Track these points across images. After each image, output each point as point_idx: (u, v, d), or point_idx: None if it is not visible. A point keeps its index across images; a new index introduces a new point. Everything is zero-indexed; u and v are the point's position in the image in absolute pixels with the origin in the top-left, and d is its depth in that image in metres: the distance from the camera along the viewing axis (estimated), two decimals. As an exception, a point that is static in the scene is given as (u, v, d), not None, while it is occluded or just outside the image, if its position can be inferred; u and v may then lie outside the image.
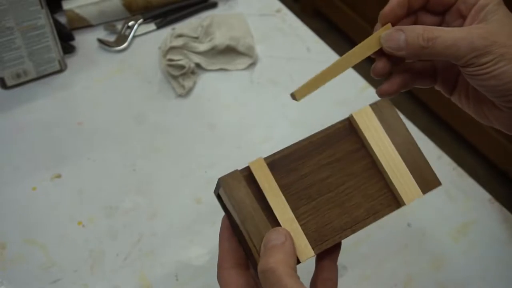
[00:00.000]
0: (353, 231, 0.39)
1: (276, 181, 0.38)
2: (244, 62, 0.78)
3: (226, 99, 0.75)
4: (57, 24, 0.75)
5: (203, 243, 0.61)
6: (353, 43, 1.91)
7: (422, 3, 0.42)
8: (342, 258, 0.59)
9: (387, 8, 0.41)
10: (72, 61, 0.78)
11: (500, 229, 0.62)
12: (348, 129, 0.41)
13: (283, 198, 0.38)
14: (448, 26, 0.42)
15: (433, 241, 0.61)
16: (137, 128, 0.71)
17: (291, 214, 0.38)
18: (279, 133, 0.70)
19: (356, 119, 0.41)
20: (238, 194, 0.38)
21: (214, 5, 0.86)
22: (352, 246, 0.60)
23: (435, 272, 0.59)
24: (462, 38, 0.37)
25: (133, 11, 0.83)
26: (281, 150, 0.39)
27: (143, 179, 0.66)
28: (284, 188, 0.38)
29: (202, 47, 0.77)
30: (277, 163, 0.39)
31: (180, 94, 0.74)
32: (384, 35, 0.40)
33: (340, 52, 0.86)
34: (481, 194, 0.65)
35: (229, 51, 0.78)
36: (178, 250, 0.60)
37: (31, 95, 0.73)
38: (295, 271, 0.34)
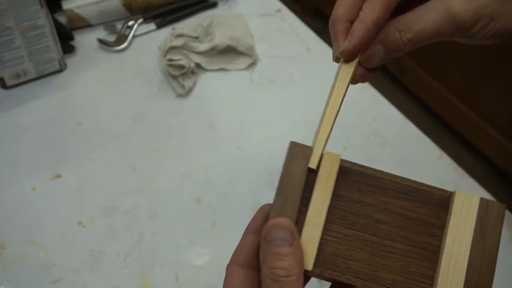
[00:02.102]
0: (363, 285, 0.35)
1: (336, 185, 0.35)
2: (244, 62, 0.78)
3: (226, 99, 0.75)
4: (57, 24, 0.75)
5: (203, 243, 0.61)
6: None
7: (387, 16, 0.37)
8: (342, 258, 0.59)
9: (349, 47, 0.36)
10: (72, 61, 0.78)
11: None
12: (442, 201, 0.36)
13: (328, 203, 0.35)
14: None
15: (433, 241, 0.61)
16: (137, 128, 0.71)
17: (322, 221, 0.34)
18: (279, 133, 0.70)
19: (455, 199, 0.36)
20: (294, 167, 0.35)
21: (214, 5, 0.86)
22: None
23: (435, 272, 0.59)
24: (443, 21, 0.34)
25: (133, 11, 0.83)
26: (363, 166, 0.36)
27: (143, 179, 0.66)
28: (336, 198, 0.35)
29: (202, 47, 0.77)
30: (351, 173, 0.36)
31: (180, 94, 0.74)
32: (363, 59, 0.37)
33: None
34: (481, 194, 0.65)
35: (229, 51, 0.78)
36: (178, 250, 0.60)
37: (31, 95, 0.73)
38: (302, 281, 0.32)
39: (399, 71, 1.73)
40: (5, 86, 0.73)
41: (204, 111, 0.73)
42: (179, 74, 0.74)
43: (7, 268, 0.58)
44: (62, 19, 0.79)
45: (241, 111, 0.73)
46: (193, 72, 0.75)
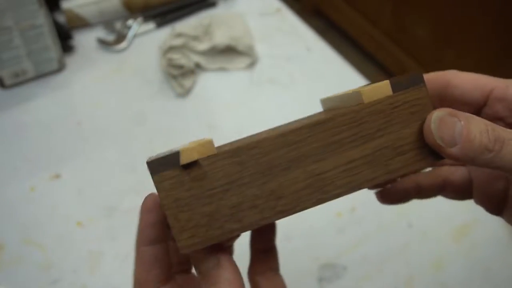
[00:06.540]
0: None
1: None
2: (244, 61, 0.78)
3: (226, 99, 0.74)
4: (56, 23, 0.75)
5: (203, 243, 0.60)
6: (353, 43, 1.91)
7: None
8: (342, 258, 0.59)
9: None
10: (71, 61, 0.77)
11: (501, 229, 0.62)
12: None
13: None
14: None
15: (433, 241, 0.61)
16: (137, 128, 0.70)
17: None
18: (279, 133, 0.70)
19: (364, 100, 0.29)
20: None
21: (213, 5, 0.86)
22: (352, 246, 0.60)
23: (436, 272, 0.59)
24: None
25: (132, 11, 0.83)
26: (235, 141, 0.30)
27: (143, 179, 0.65)
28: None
29: (202, 46, 0.76)
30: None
31: (179, 94, 0.74)
32: (436, 118, 0.27)
33: (341, 52, 0.86)
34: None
35: (229, 50, 0.77)
36: (178, 250, 0.60)
37: (30, 94, 0.73)
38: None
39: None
40: (3, 86, 0.73)
41: (204, 111, 0.73)
42: (179, 74, 0.74)
43: (6, 269, 0.57)
44: (61, 18, 0.79)
45: (241, 111, 0.73)
46: (192, 72, 0.75)
